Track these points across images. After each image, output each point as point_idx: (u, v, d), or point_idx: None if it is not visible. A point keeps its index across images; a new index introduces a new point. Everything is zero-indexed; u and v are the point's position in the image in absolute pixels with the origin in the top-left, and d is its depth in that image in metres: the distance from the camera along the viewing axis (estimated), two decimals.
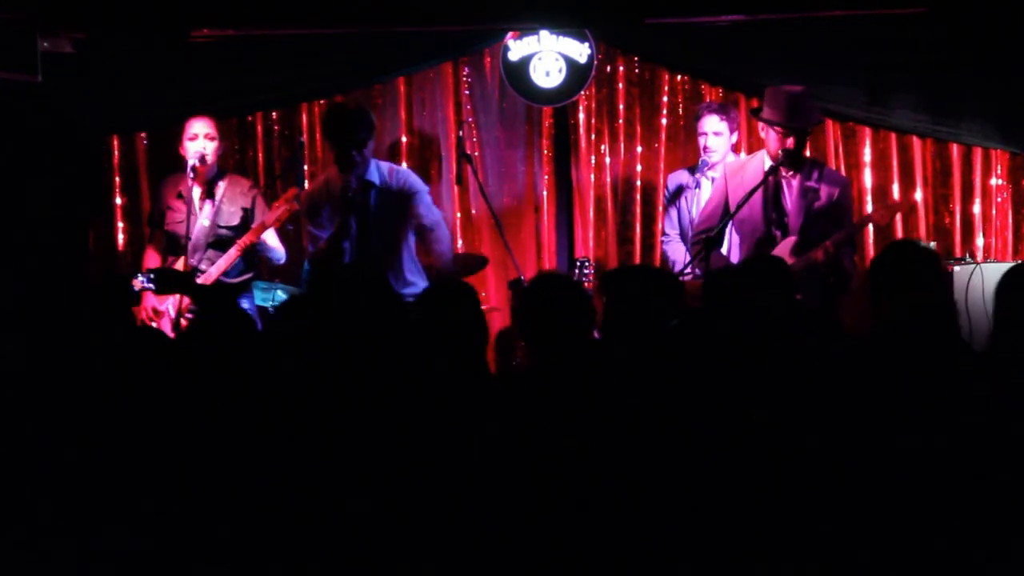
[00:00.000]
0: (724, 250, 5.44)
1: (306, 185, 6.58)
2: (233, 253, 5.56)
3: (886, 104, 6.25)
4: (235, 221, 5.66)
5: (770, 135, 5.26)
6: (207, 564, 2.76)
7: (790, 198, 5.22)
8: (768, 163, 5.26)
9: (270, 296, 5.87)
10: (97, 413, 3.08)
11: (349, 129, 5.29)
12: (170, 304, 5.51)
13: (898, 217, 6.17)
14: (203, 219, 5.60)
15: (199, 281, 5.50)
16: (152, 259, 5.80)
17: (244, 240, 5.54)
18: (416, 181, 5.54)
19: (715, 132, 5.72)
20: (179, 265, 5.58)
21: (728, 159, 5.72)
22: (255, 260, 5.77)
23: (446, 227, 5.64)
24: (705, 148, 5.73)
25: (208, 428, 2.99)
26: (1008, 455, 2.72)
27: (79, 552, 2.78)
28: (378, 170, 5.44)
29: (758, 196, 5.20)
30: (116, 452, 2.95)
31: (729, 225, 5.32)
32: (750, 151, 6.13)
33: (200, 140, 5.57)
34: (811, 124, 5.39)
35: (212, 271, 5.54)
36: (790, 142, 5.18)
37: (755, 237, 5.21)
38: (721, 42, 6.27)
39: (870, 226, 6.12)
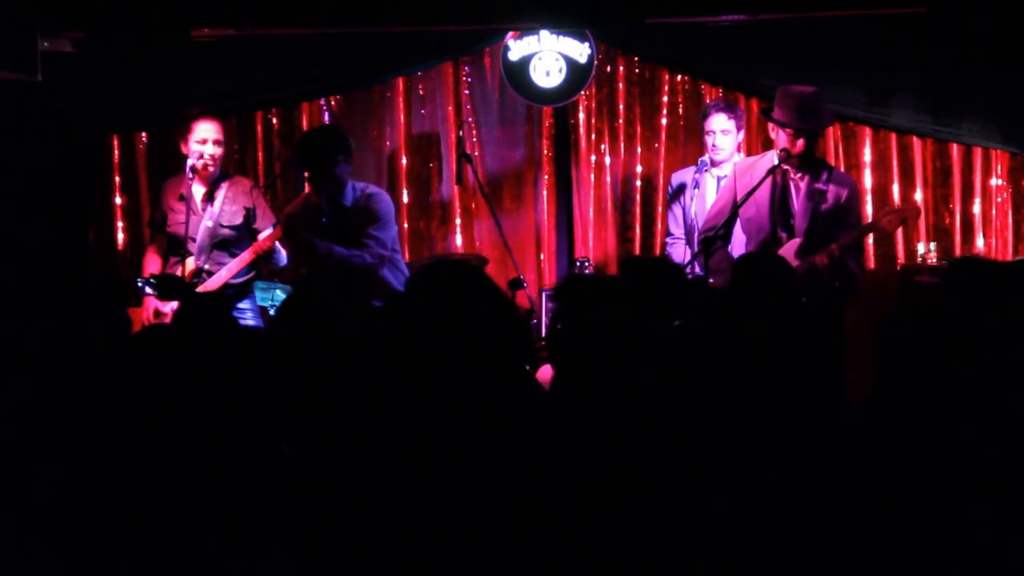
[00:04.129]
0: (731, 248, 5.42)
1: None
2: (247, 256, 5.56)
3: (886, 104, 6.25)
4: (238, 221, 5.66)
5: (780, 136, 5.23)
6: (207, 565, 2.76)
7: (797, 200, 5.18)
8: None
9: (269, 296, 5.88)
10: (94, 412, 3.08)
11: (323, 153, 5.18)
12: (172, 307, 5.51)
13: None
14: (206, 220, 5.60)
15: (209, 280, 5.50)
16: (153, 261, 5.79)
17: (260, 244, 5.55)
18: (381, 208, 5.29)
19: (723, 131, 5.69)
20: (185, 266, 5.59)
21: (735, 158, 5.71)
22: (256, 261, 5.77)
23: (376, 269, 5.26)
24: (713, 147, 5.70)
25: (205, 429, 2.99)
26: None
27: (76, 551, 2.78)
28: (353, 192, 5.30)
29: (766, 196, 5.18)
30: (113, 451, 2.95)
31: (738, 224, 5.30)
32: (751, 151, 6.13)
33: (209, 145, 5.55)
34: (822, 126, 5.33)
35: (223, 273, 5.55)
36: (800, 144, 5.13)
37: (761, 237, 5.18)
38: (721, 42, 6.26)
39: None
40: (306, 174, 5.29)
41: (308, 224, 5.28)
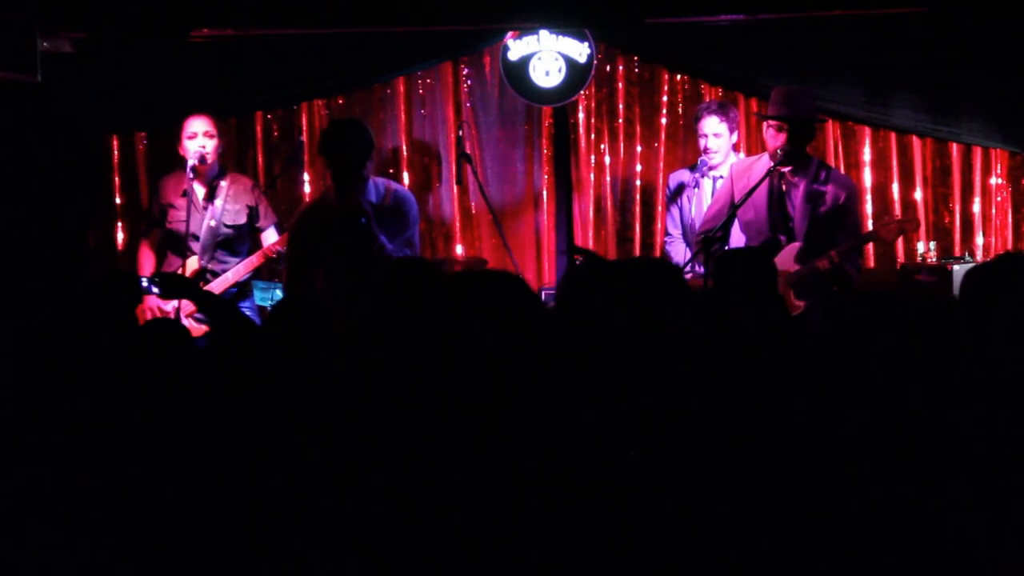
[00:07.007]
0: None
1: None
2: (255, 260, 5.58)
3: (886, 103, 6.25)
4: (241, 220, 5.67)
5: (769, 133, 5.22)
6: (213, 564, 2.77)
7: (796, 202, 5.17)
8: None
9: (269, 296, 5.89)
10: (98, 412, 3.08)
11: (350, 147, 4.90)
12: (174, 304, 5.50)
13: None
14: (208, 220, 5.60)
15: (214, 282, 5.51)
16: (147, 256, 5.80)
17: (269, 249, 5.57)
18: (412, 211, 5.06)
19: (715, 134, 5.69)
20: (187, 266, 5.59)
21: (730, 159, 5.70)
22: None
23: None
24: (706, 150, 5.70)
25: (218, 428, 2.99)
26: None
27: (78, 550, 2.79)
28: (376, 189, 5.01)
29: (763, 199, 5.16)
30: (118, 450, 2.96)
31: (736, 225, 5.29)
32: (751, 151, 6.13)
33: (199, 138, 5.57)
34: (806, 117, 5.17)
35: (229, 275, 5.56)
36: (783, 137, 5.11)
37: (760, 240, 5.17)
38: (721, 42, 6.27)
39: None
40: (330, 173, 4.97)
41: (328, 227, 4.96)
